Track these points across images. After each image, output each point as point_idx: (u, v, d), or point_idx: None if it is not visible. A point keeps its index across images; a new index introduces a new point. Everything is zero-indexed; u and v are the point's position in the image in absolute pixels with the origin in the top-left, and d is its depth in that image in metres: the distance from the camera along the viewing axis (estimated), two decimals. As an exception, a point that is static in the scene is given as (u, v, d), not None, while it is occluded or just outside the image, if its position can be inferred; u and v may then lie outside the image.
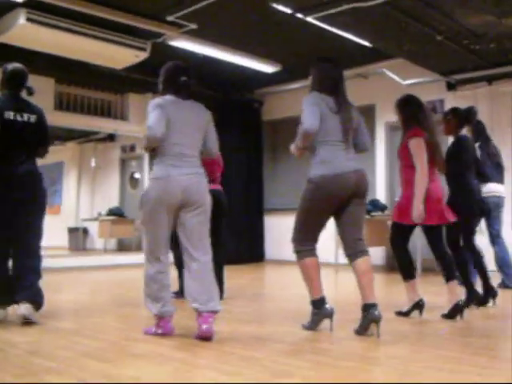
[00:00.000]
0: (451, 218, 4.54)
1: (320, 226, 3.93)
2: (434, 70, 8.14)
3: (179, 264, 5.02)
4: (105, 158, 13.28)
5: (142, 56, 7.52)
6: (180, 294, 5.11)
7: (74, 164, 14.63)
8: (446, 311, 4.41)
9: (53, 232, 12.35)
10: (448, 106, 8.56)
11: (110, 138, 12.46)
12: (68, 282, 7.61)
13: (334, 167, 3.80)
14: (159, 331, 3.74)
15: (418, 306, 4.51)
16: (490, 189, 6.02)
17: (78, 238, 13.08)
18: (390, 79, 8.69)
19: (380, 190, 9.35)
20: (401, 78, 8.63)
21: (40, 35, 6.68)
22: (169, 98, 3.77)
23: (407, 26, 6.19)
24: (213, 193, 4.05)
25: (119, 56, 7.51)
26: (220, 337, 3.73)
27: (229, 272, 8.70)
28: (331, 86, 3.94)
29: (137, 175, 6.98)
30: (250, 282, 7.85)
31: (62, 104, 9.26)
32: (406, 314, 4.53)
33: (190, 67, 3.94)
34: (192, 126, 3.81)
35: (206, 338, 3.57)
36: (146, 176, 12.54)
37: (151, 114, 3.65)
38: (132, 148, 12.82)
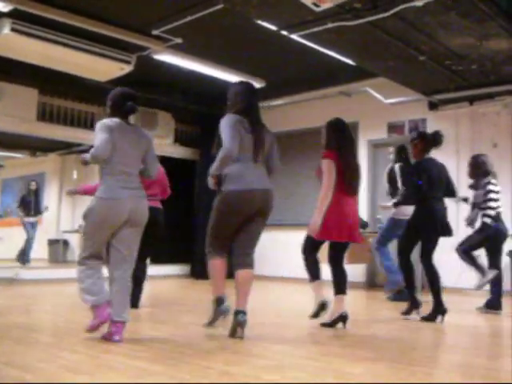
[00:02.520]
0: (359, 239, 4.92)
1: (228, 235, 4.24)
2: (416, 90, 8.23)
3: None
4: (86, 170, 13.19)
5: (127, 69, 7.52)
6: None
7: (56, 175, 14.54)
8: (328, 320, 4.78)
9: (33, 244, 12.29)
10: (430, 126, 8.69)
11: (93, 150, 12.39)
12: (47, 293, 7.53)
13: (242, 184, 4.10)
14: (96, 321, 3.93)
15: (323, 306, 4.85)
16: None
17: (59, 249, 12.96)
18: (373, 98, 8.78)
19: (362, 207, 9.37)
20: (383, 96, 8.72)
21: (25, 46, 6.66)
22: (116, 120, 4.02)
23: (391, 45, 6.26)
24: (150, 210, 4.22)
25: (104, 68, 7.50)
26: (199, 351, 3.71)
27: (209, 287, 8.68)
28: (245, 108, 4.24)
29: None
30: (228, 297, 7.81)
31: (45, 115, 9.21)
32: (314, 316, 4.87)
33: (136, 94, 4.24)
34: (134, 148, 4.04)
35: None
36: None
37: (99, 134, 3.89)
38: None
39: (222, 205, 4.16)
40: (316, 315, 4.85)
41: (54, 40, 6.70)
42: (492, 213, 6.00)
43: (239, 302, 4.20)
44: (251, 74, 8.70)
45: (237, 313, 4.14)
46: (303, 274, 5.17)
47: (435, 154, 8.59)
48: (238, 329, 4.11)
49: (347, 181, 4.76)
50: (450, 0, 5.16)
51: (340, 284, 4.79)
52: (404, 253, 5.46)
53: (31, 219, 11.93)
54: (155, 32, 6.91)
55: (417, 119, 8.85)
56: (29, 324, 4.57)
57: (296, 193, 9.90)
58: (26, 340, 4.01)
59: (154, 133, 9.85)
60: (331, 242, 4.87)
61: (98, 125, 3.95)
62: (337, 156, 4.76)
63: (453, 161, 8.33)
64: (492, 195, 6.07)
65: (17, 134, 9.13)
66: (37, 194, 12.23)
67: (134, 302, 5.66)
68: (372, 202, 9.30)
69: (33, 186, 12.21)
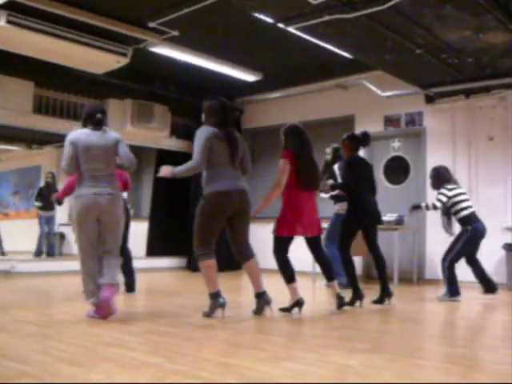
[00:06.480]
0: (318, 232, 5.31)
1: (214, 233, 4.78)
2: (412, 83, 8.22)
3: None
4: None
5: (123, 61, 7.50)
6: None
7: (52, 168, 14.50)
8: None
9: (29, 236, 12.29)
10: (427, 119, 8.71)
11: (89, 142, 12.33)
12: (43, 286, 7.54)
13: (221, 185, 4.64)
14: (96, 315, 4.59)
15: (298, 303, 5.09)
16: None
17: (55, 242, 12.94)
18: (370, 91, 8.78)
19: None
20: (380, 89, 8.72)
21: (20, 38, 6.62)
22: (85, 131, 4.68)
23: (387, 38, 6.26)
24: None
25: (100, 61, 7.47)
26: (196, 343, 3.73)
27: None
28: (219, 120, 4.78)
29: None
30: (228, 289, 7.81)
31: (41, 107, 9.17)
32: (287, 310, 5.11)
33: (103, 107, 4.97)
34: (103, 151, 4.67)
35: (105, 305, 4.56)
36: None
37: (65, 150, 4.62)
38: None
39: (206, 206, 4.67)
40: (289, 310, 5.11)
41: (50, 32, 6.66)
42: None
43: (256, 286, 4.88)
44: (247, 66, 8.69)
45: (260, 295, 4.86)
46: (299, 266, 5.30)
47: (434, 148, 8.65)
48: (265, 307, 4.84)
49: (307, 177, 5.16)
50: (446, -7, 5.16)
51: (330, 271, 5.28)
52: (344, 246, 5.74)
53: (46, 214, 11.86)
54: (151, 24, 6.88)
55: (413, 112, 8.86)
56: (25, 316, 4.57)
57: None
58: (22, 332, 4.02)
59: (151, 125, 9.83)
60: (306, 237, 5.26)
61: (67, 138, 4.63)
62: (293, 156, 5.15)
63: (449, 154, 8.34)
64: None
65: (12, 127, 9.09)
66: (50, 187, 11.94)
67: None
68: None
69: (48, 178, 12.10)
